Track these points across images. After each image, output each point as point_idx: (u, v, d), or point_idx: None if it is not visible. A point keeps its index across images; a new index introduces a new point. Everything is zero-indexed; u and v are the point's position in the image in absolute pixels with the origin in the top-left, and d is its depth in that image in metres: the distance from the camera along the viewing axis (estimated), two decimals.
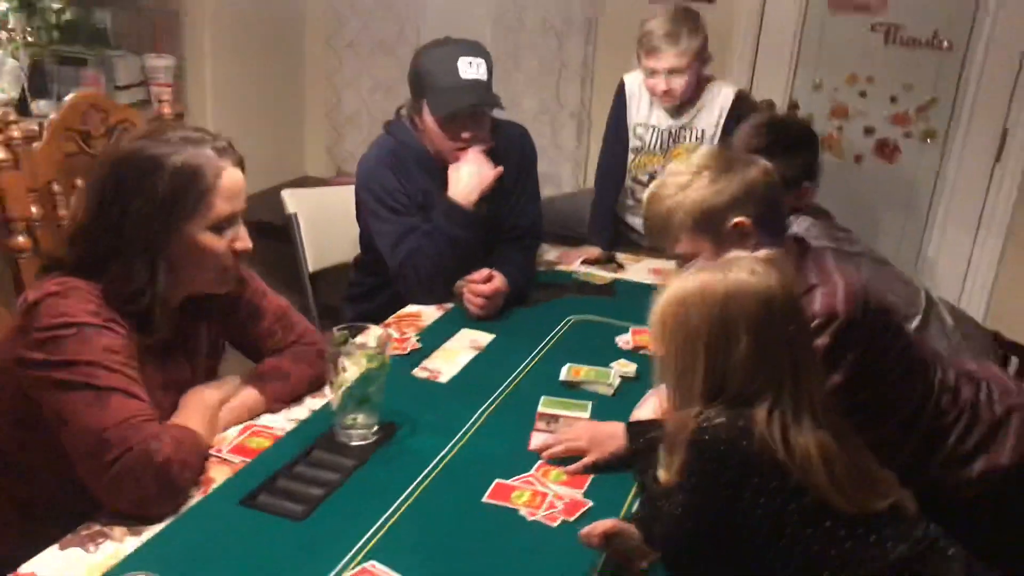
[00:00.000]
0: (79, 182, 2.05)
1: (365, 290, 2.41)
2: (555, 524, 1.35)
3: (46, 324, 1.33)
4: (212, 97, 3.60)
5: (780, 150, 1.75)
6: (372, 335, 1.60)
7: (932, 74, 3.22)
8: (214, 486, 1.39)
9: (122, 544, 1.25)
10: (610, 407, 1.71)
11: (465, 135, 2.10)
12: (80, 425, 1.29)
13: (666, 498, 1.24)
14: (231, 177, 1.45)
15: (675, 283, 1.25)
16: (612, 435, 1.46)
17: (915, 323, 1.88)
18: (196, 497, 1.36)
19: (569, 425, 1.59)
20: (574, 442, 1.45)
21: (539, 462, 1.50)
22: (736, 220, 1.52)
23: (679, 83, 2.41)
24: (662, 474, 1.27)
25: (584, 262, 2.56)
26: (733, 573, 1.20)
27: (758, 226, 1.52)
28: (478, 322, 2.08)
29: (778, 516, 1.13)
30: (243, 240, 1.49)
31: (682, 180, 1.53)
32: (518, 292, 2.19)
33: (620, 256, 2.61)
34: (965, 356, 1.78)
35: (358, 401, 1.51)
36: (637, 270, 2.54)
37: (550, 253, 2.60)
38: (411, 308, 2.16)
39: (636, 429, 1.38)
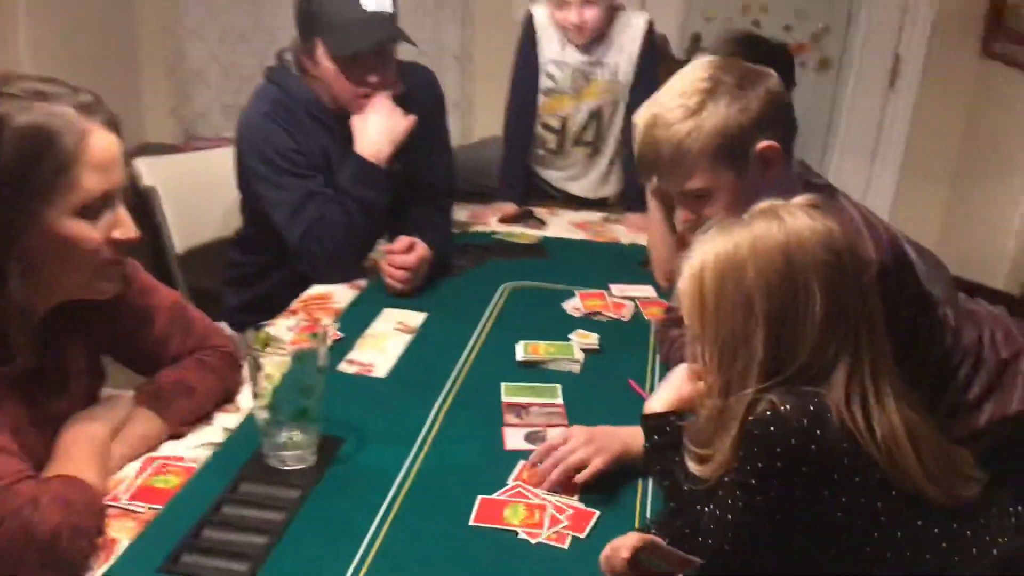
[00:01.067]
0: None
1: (251, 271, 2.06)
2: (566, 545, 1.10)
3: None
4: (26, 52, 3.06)
5: None
6: (285, 328, 1.29)
7: (825, 1, 3.12)
8: (119, 548, 1.06)
9: None
10: (581, 387, 1.49)
11: (372, 79, 1.78)
12: None
13: (708, 499, 1.02)
14: (101, 143, 1.08)
15: (710, 237, 1.01)
16: (611, 435, 1.23)
17: None
18: (98, 569, 1.02)
19: (546, 421, 1.35)
20: (573, 455, 1.19)
21: (521, 462, 1.25)
22: (764, 144, 1.28)
23: (592, 14, 2.16)
24: (696, 469, 1.05)
25: (500, 220, 2.30)
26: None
27: (784, 152, 1.30)
28: (401, 299, 1.79)
29: (863, 517, 0.93)
30: (125, 226, 1.13)
31: (693, 101, 1.27)
32: (443, 259, 1.91)
33: (536, 211, 2.37)
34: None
35: (294, 415, 1.21)
36: (558, 225, 2.31)
37: (459, 212, 2.32)
38: (317, 289, 1.84)
39: (653, 423, 1.14)
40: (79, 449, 1.13)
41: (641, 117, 1.33)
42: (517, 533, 1.12)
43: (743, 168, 1.30)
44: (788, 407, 0.93)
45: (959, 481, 0.96)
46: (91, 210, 1.09)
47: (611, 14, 2.26)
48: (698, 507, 1.04)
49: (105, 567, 1.02)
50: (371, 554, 1.07)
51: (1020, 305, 2.16)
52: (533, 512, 1.15)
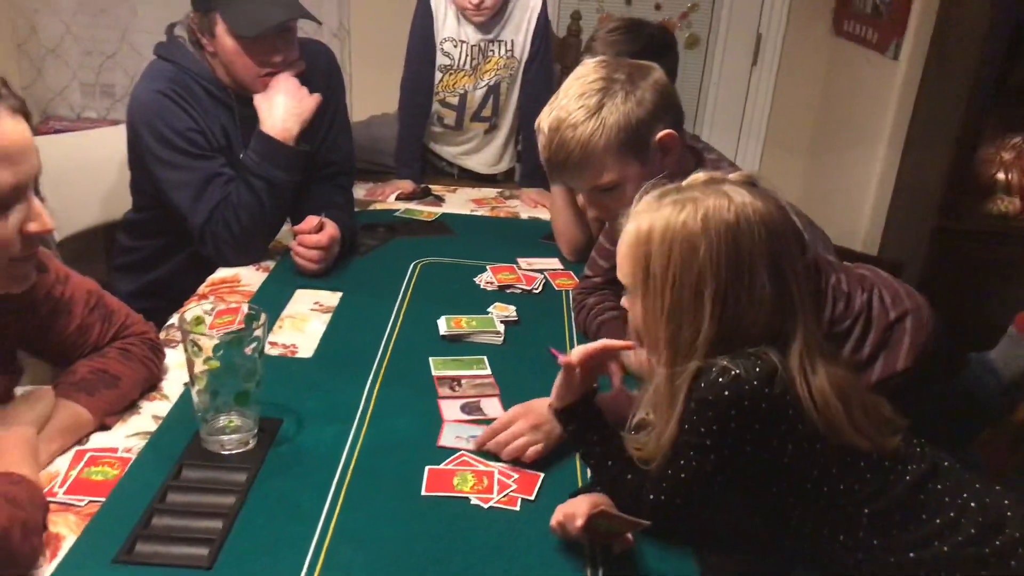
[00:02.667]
0: None
1: (145, 255, 1.98)
2: (517, 507, 1.15)
3: None
4: None
5: (651, 54, 1.60)
6: (202, 312, 1.26)
7: None
8: (66, 544, 1.03)
9: None
10: (505, 357, 1.53)
11: (276, 58, 1.74)
12: None
13: (643, 464, 1.09)
14: (8, 132, 1.01)
15: (656, 205, 1.05)
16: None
17: None
18: (46, 567, 0.99)
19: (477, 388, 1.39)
20: (516, 441, 1.23)
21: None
22: (662, 134, 1.38)
23: None
24: (635, 438, 1.12)
25: (398, 198, 2.30)
26: (744, 520, 1.09)
27: (679, 137, 1.39)
28: (312, 279, 1.78)
29: (806, 460, 1.02)
30: (39, 219, 1.06)
31: (592, 101, 1.35)
32: (350, 238, 1.90)
33: (433, 188, 2.38)
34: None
35: (235, 399, 1.20)
36: (456, 201, 2.33)
37: (356, 191, 2.30)
38: (223, 272, 1.80)
39: (564, 416, 1.16)
40: (10, 446, 1.08)
41: (545, 122, 1.40)
42: (469, 499, 1.16)
43: (645, 158, 1.39)
44: (738, 371, 0.99)
45: (886, 432, 1.06)
46: (2, 206, 1.02)
47: None
48: (628, 476, 1.10)
49: (55, 562, 0.99)
50: (329, 531, 1.08)
51: (879, 267, 2.37)
52: (481, 478, 1.19)
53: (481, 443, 1.25)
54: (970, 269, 2.55)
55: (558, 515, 1.07)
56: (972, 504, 1.04)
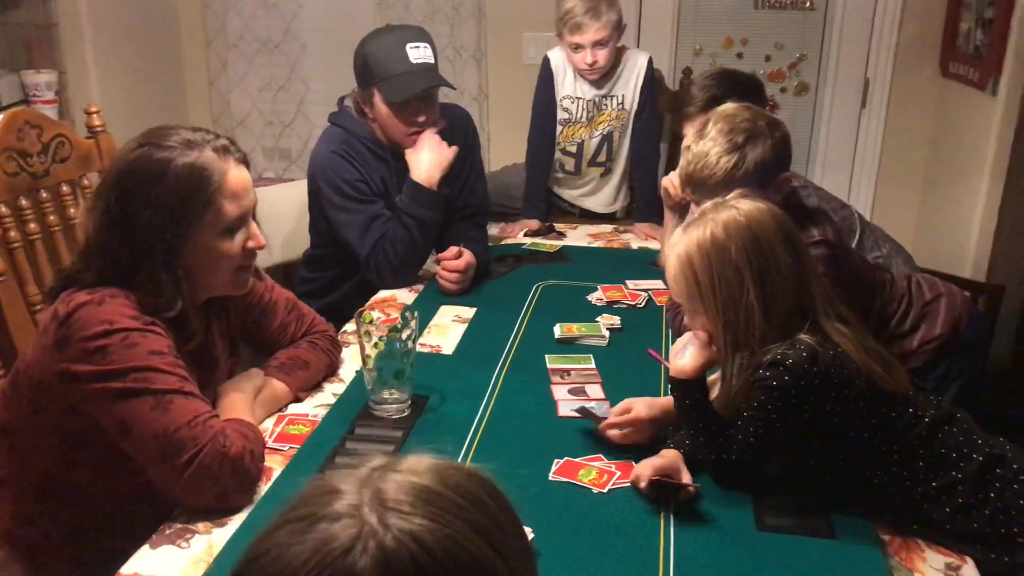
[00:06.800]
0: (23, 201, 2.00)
1: (323, 284, 2.42)
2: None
3: (89, 334, 1.30)
4: (99, 99, 3.45)
5: (738, 98, 1.89)
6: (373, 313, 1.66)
7: (799, 33, 3.53)
8: (276, 473, 1.42)
9: (211, 535, 1.27)
10: (609, 356, 1.85)
11: (420, 119, 2.16)
12: (146, 432, 1.29)
13: (726, 429, 1.36)
14: (236, 177, 1.41)
15: (687, 236, 1.35)
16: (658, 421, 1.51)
17: (856, 237, 2.13)
18: (264, 485, 1.38)
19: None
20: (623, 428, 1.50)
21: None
22: (782, 177, 1.71)
23: (603, 55, 2.56)
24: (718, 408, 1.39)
25: (527, 234, 2.67)
26: (797, 466, 1.36)
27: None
28: (453, 298, 2.16)
29: (849, 414, 1.29)
30: (256, 238, 1.48)
31: (740, 139, 1.65)
32: (484, 265, 2.28)
33: (557, 225, 2.74)
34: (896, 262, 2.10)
35: (393, 376, 1.57)
36: (576, 236, 2.68)
37: (491, 229, 2.69)
38: (384, 293, 2.21)
39: (681, 388, 1.40)
40: (238, 403, 1.49)
41: (696, 146, 1.69)
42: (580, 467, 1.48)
43: (766, 190, 1.66)
44: (791, 360, 1.27)
45: (900, 373, 1.32)
46: (231, 229, 1.43)
47: (617, 53, 2.66)
48: (719, 439, 1.36)
49: (269, 484, 1.39)
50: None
51: (984, 290, 2.54)
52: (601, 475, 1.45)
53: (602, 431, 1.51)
54: None
55: (631, 475, 1.37)
56: (979, 442, 1.30)
